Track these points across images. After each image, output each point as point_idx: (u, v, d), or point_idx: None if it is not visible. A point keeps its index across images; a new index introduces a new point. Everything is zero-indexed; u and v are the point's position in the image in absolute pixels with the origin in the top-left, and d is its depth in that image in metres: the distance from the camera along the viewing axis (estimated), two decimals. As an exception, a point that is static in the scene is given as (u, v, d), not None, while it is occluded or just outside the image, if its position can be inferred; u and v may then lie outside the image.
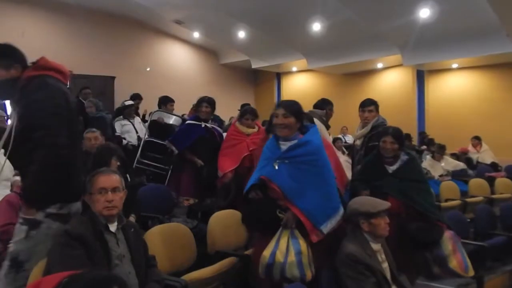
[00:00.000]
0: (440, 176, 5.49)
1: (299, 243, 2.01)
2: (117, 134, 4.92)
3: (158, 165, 4.24)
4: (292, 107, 2.17)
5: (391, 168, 2.66)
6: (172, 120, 4.75)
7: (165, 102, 4.94)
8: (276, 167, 2.09)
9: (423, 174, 2.86)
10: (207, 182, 3.47)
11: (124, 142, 4.93)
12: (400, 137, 2.68)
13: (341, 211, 2.12)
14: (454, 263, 2.42)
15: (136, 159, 4.34)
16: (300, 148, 2.11)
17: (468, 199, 4.42)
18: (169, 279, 1.98)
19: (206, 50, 11.76)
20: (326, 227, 2.05)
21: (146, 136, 4.53)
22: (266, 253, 2.02)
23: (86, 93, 6.07)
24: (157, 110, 4.73)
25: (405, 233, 2.44)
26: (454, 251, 2.43)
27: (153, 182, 4.01)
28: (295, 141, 2.14)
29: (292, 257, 1.97)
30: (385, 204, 2.13)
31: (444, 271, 2.44)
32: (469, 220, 3.76)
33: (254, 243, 2.43)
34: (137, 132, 5.12)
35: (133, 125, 5.16)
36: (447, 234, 2.48)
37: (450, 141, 7.11)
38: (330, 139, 4.05)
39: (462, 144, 7.53)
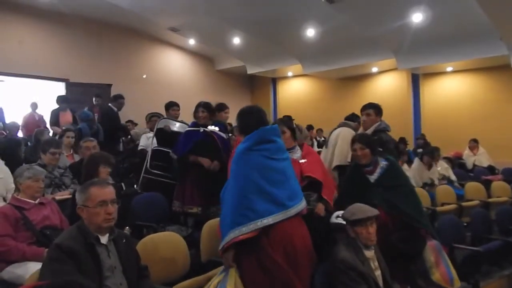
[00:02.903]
0: (430, 184, 5.21)
1: None
2: (141, 147, 4.69)
3: (167, 174, 4.03)
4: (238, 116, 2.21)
5: (373, 178, 2.59)
6: (176, 127, 4.45)
7: (168, 107, 4.65)
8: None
9: (405, 177, 2.79)
10: (212, 188, 3.24)
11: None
12: (368, 141, 2.63)
13: (233, 232, 1.90)
14: (437, 275, 2.35)
15: (143, 168, 4.14)
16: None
17: (464, 203, 4.40)
18: (161, 288, 1.97)
19: (202, 57, 11.81)
20: (223, 241, 1.94)
21: (154, 145, 4.29)
22: None
23: (121, 103, 5.81)
24: (163, 118, 4.52)
25: (388, 244, 2.36)
26: (437, 263, 2.37)
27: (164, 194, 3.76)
28: None
29: None
30: (364, 213, 2.08)
31: (428, 284, 2.37)
32: (465, 224, 3.75)
33: None
34: None
35: None
36: (430, 245, 2.41)
37: (446, 144, 7.15)
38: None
39: (458, 147, 7.56)
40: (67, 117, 6.21)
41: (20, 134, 6.41)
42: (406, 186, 2.64)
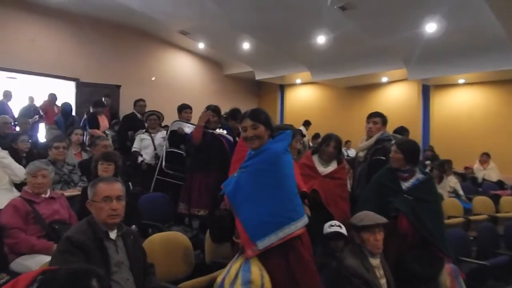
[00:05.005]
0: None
1: (250, 272, 1.78)
2: (135, 149, 4.52)
3: (181, 175, 3.97)
4: (258, 115, 2.02)
5: (405, 185, 2.54)
6: (190, 129, 4.25)
7: (181, 110, 4.57)
8: (235, 176, 1.98)
9: (437, 196, 2.75)
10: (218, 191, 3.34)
11: (140, 159, 4.45)
12: (404, 147, 2.58)
13: (288, 229, 1.85)
14: None
15: (157, 169, 4.11)
16: (257, 157, 1.95)
17: (472, 217, 4.34)
18: (166, 286, 1.99)
19: (211, 61, 11.91)
20: (263, 243, 1.80)
21: (167, 147, 4.20)
22: (219, 278, 1.87)
23: (141, 106, 5.47)
24: (176, 120, 4.41)
25: (402, 260, 2.33)
26: None
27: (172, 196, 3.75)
28: (258, 150, 2.00)
29: (238, 286, 1.78)
30: (373, 220, 2.07)
31: None
32: (472, 238, 3.70)
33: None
34: (155, 149, 4.52)
35: (153, 140, 4.59)
36: (447, 269, 2.36)
37: (455, 157, 7.05)
38: None
39: (467, 161, 7.46)
40: (104, 121, 6.27)
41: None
42: (435, 205, 2.58)
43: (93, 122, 6.05)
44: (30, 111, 6.93)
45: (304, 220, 1.90)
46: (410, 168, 2.57)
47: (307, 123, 9.40)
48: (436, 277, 2.33)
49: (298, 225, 1.86)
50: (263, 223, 1.83)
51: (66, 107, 6.76)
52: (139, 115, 5.36)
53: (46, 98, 7.39)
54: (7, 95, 6.88)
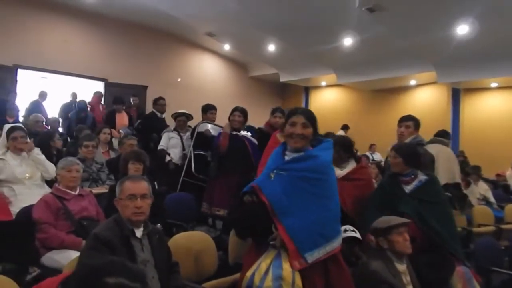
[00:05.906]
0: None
1: (282, 268, 1.71)
2: (161, 147, 4.41)
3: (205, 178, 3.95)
4: (312, 116, 1.90)
5: (408, 188, 2.52)
6: (215, 131, 4.20)
7: (206, 110, 4.48)
8: (272, 177, 1.84)
9: (443, 196, 2.66)
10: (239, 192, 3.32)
11: (167, 158, 4.33)
12: (403, 152, 2.56)
13: (335, 242, 1.78)
14: None
15: (183, 171, 4.07)
16: (303, 162, 1.83)
17: (504, 226, 4.17)
18: (190, 285, 2.01)
19: (236, 63, 11.99)
20: (312, 256, 1.70)
21: (192, 149, 4.14)
22: (249, 273, 1.80)
23: (161, 104, 5.27)
24: (202, 121, 4.33)
25: (412, 266, 2.22)
26: None
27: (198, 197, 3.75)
28: (301, 153, 1.86)
29: (269, 282, 1.70)
30: (398, 220, 2.04)
31: None
32: (503, 248, 3.55)
33: (243, 262, 2.05)
34: (183, 149, 4.39)
35: (182, 139, 4.44)
36: (459, 271, 2.27)
37: (485, 164, 6.77)
38: (457, 170, 3.67)
39: (499, 168, 7.16)
40: (123, 119, 6.30)
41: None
42: (443, 205, 2.51)
43: (110, 120, 6.06)
44: (72, 108, 7.22)
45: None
46: (412, 172, 2.54)
47: (345, 127, 9.31)
48: (447, 281, 2.25)
49: (341, 239, 1.81)
50: (313, 234, 1.74)
51: (81, 104, 7.16)
52: (159, 114, 5.22)
53: (91, 95, 7.80)
54: (43, 95, 7.21)
